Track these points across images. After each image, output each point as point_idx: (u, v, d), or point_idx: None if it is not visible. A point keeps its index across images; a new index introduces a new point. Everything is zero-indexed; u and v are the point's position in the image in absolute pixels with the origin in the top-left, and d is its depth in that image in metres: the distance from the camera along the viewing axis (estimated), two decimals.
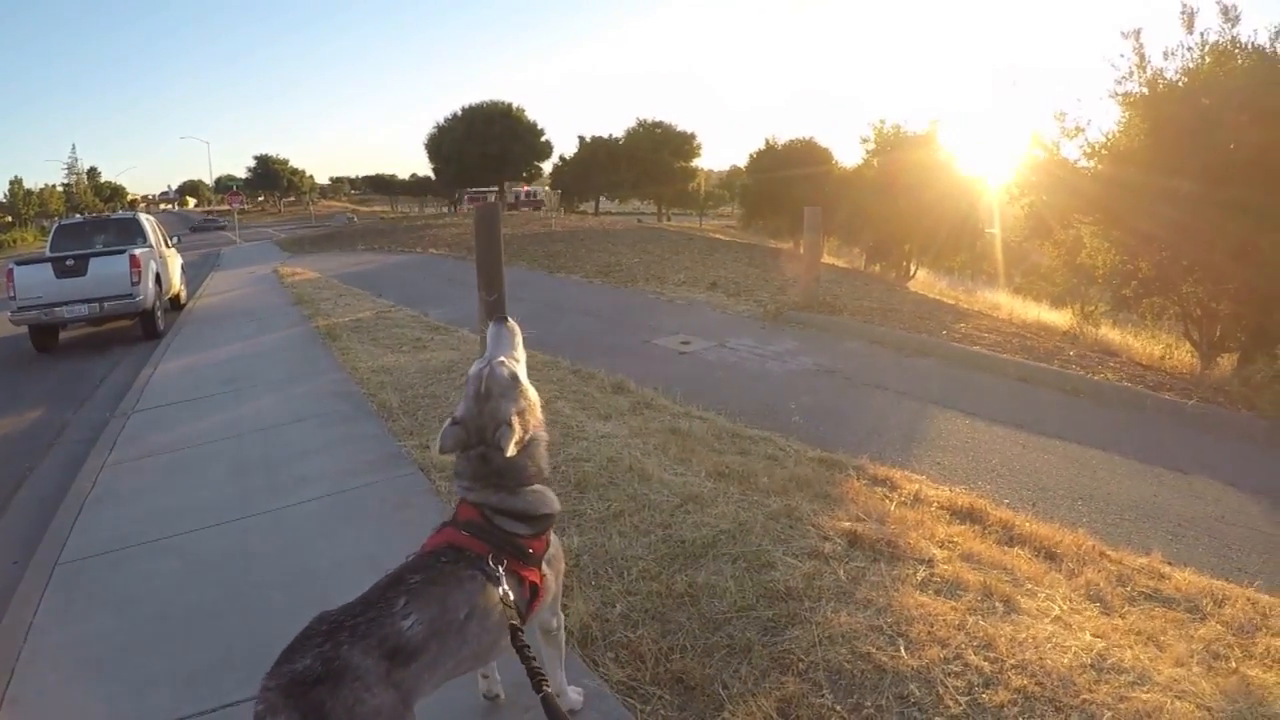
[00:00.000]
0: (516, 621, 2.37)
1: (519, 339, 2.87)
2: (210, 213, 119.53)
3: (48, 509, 6.63)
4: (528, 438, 2.63)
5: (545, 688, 2.19)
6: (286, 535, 5.37)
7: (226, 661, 3.79)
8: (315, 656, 2.06)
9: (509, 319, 2.87)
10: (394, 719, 2.10)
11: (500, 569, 2.46)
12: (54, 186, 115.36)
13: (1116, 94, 12.00)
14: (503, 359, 2.71)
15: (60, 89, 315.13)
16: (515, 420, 2.57)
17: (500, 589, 2.42)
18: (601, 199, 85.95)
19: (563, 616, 2.94)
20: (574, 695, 3.14)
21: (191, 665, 3.88)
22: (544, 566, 2.70)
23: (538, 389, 2.78)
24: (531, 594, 2.61)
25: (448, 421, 2.65)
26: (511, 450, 2.52)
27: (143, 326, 16.07)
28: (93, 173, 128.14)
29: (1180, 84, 11.37)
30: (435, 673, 2.29)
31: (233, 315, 17.51)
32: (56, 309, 14.85)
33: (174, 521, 5.81)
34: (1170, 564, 5.02)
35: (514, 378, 2.67)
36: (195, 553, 5.28)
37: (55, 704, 3.78)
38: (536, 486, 2.70)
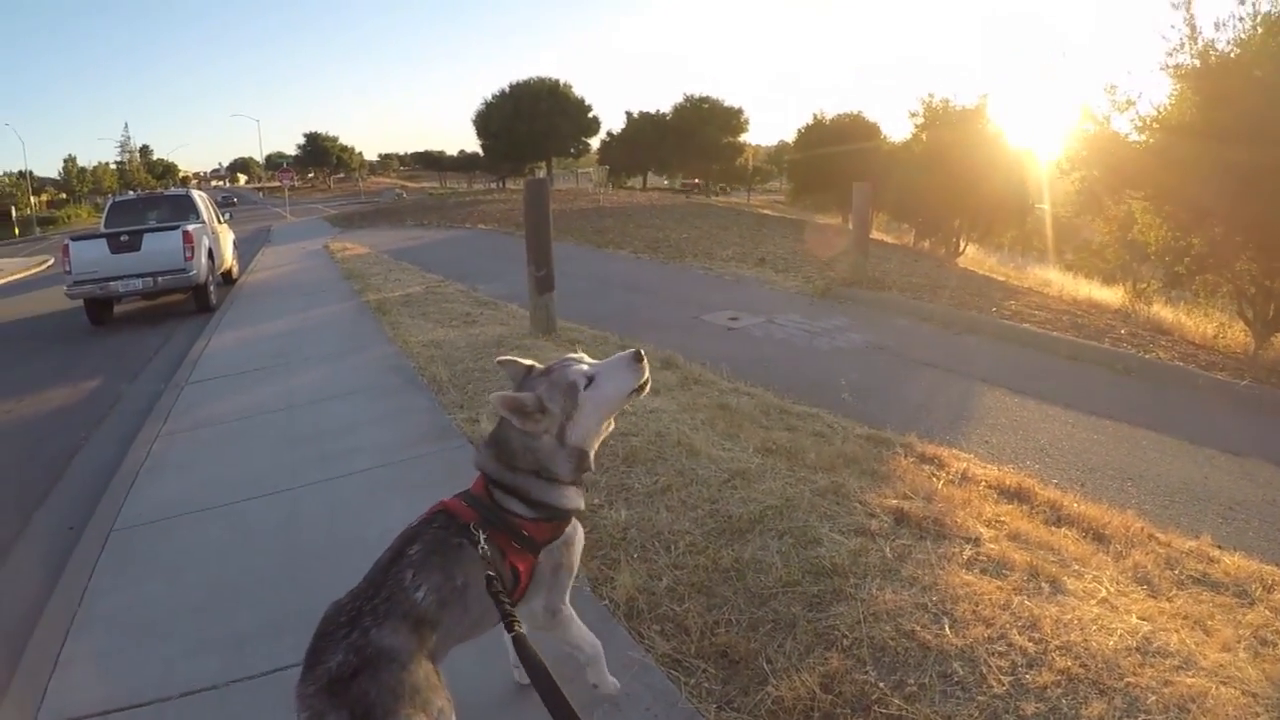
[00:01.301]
0: (492, 571, 2.37)
1: (636, 382, 2.64)
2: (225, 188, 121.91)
3: (103, 477, 6.77)
4: (536, 429, 2.57)
5: (516, 628, 2.19)
6: (336, 504, 5.45)
7: (277, 627, 3.85)
8: (345, 649, 2.07)
9: (644, 359, 2.64)
10: (431, 689, 2.11)
11: (482, 535, 2.43)
12: (107, 164, 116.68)
13: (1168, 66, 11.77)
14: (590, 370, 2.63)
15: (112, 67, 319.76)
16: (533, 395, 2.56)
17: (480, 548, 2.40)
18: (650, 174, 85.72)
19: (567, 612, 2.82)
20: (612, 681, 3.09)
21: (242, 630, 3.95)
22: (541, 555, 2.65)
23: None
24: (515, 579, 2.55)
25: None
26: (511, 419, 2.55)
27: (196, 300, 16.34)
28: (145, 150, 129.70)
29: (1232, 55, 11.14)
30: (451, 638, 2.32)
31: (284, 290, 17.73)
32: (111, 283, 15.11)
33: (226, 491, 5.90)
34: (1220, 547, 4.96)
35: (573, 386, 2.56)
36: (247, 521, 5.37)
37: (109, 665, 3.86)
38: (534, 477, 2.62)
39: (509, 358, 2.77)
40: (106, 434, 8.41)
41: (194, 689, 3.55)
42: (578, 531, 2.83)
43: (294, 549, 4.86)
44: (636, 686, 3.23)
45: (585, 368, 2.63)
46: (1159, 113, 12.03)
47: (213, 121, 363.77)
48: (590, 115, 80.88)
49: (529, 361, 2.72)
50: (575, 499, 2.70)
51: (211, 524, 5.40)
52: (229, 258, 20.22)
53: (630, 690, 3.21)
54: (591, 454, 2.68)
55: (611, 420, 2.72)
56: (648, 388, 2.69)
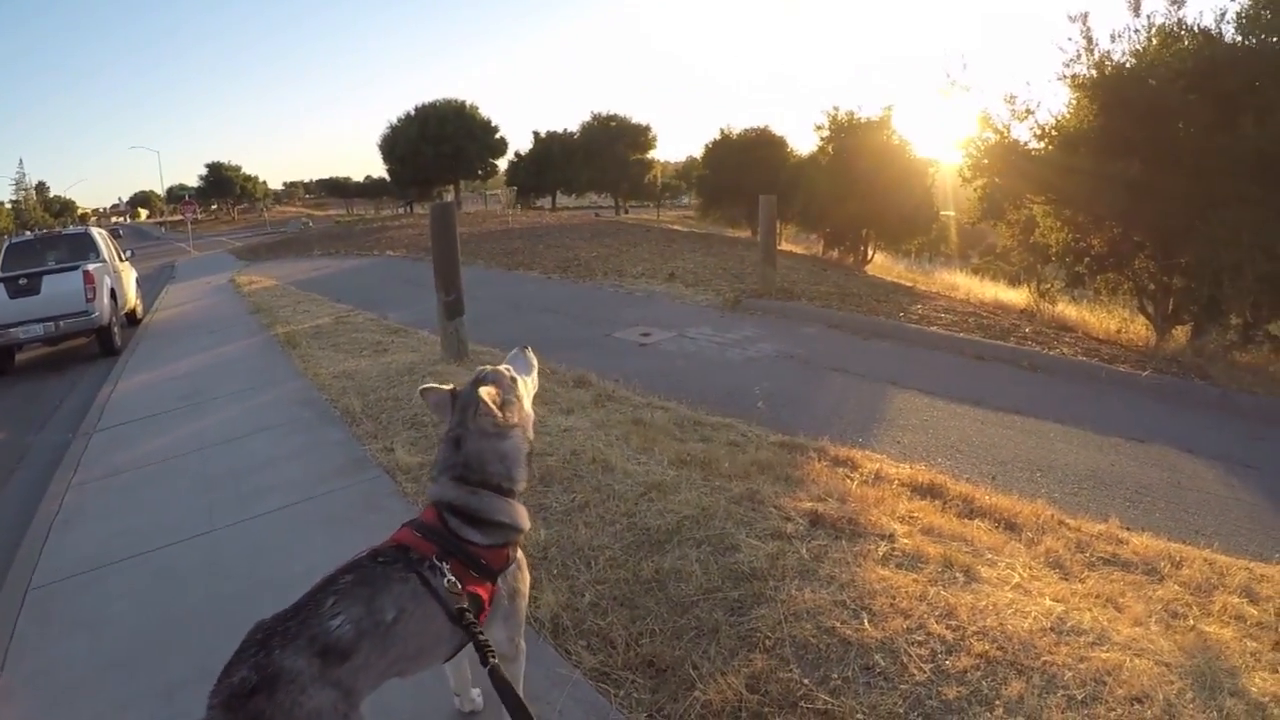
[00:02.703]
0: (465, 604, 2.40)
1: (534, 369, 2.96)
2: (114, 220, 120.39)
3: (15, 534, 6.57)
4: (505, 427, 2.65)
5: (492, 659, 2.24)
6: (258, 544, 5.39)
7: (204, 673, 3.74)
8: (250, 666, 2.09)
9: (529, 348, 2.96)
10: (335, 715, 2.12)
11: (445, 566, 2.45)
12: (2, 203, 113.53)
13: (1065, 76, 12.23)
14: (510, 367, 2.79)
15: (4, 102, 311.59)
16: (495, 394, 2.62)
17: (445, 579, 2.42)
18: (558, 194, 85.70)
19: (523, 647, 2.89)
20: None
21: (169, 679, 3.91)
22: (499, 582, 2.69)
23: None
24: (476, 607, 2.54)
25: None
26: (495, 415, 2.58)
27: (100, 343, 15.88)
28: (41, 187, 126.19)
29: (1128, 66, 11.57)
30: (372, 671, 2.30)
31: (191, 327, 17.36)
32: (11, 330, 14.66)
33: (144, 539, 5.80)
34: (1128, 529, 5.16)
35: (511, 379, 2.73)
36: (167, 568, 5.28)
37: None
38: (495, 494, 2.68)
39: (431, 385, 2.80)
40: (15, 488, 8.20)
41: None
42: (522, 557, 2.87)
43: (217, 593, 4.79)
44: (567, 703, 3.28)
45: (502, 367, 2.79)
46: (1057, 121, 12.46)
47: (111, 154, 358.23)
48: (497, 136, 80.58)
49: (449, 386, 2.76)
50: (525, 516, 2.78)
51: (131, 574, 5.30)
52: (132, 297, 19.68)
53: (561, 707, 3.25)
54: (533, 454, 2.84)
55: None
56: (536, 379, 2.97)
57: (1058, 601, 3.85)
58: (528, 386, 2.86)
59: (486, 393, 2.56)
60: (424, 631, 2.40)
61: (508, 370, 2.77)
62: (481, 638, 2.31)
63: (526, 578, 2.87)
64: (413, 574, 2.42)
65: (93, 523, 6.39)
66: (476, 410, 2.61)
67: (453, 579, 2.44)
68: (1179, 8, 11.39)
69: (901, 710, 3.06)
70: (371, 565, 2.43)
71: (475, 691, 3.25)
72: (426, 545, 2.52)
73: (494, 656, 2.27)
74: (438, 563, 2.46)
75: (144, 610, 4.77)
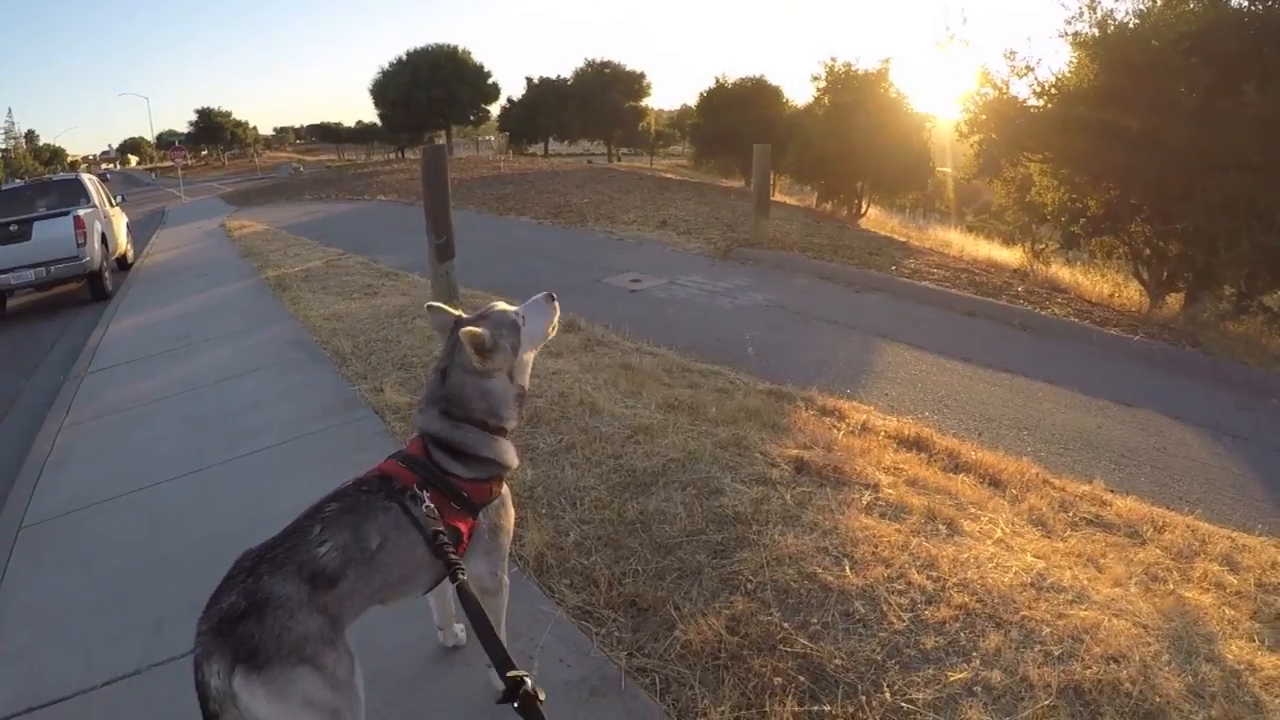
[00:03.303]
0: (440, 527, 2.42)
1: (553, 318, 2.87)
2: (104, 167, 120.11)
3: (7, 474, 6.61)
4: (493, 366, 2.64)
5: (461, 576, 2.28)
6: (247, 482, 5.45)
7: (194, 606, 3.76)
8: (239, 592, 2.12)
9: (555, 299, 2.88)
10: (324, 642, 2.15)
11: (425, 495, 2.47)
12: None
13: (1067, 34, 12.11)
14: (519, 310, 2.76)
15: None
16: (487, 332, 2.60)
17: (425, 506, 2.44)
18: (551, 141, 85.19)
19: (507, 581, 2.93)
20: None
21: (159, 614, 3.97)
22: (480, 516, 2.71)
23: None
24: (454, 540, 2.54)
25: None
26: (472, 357, 2.57)
27: (91, 288, 15.86)
28: (31, 136, 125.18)
29: (1130, 26, 11.46)
30: (357, 598, 2.33)
31: (181, 271, 17.33)
32: (2, 276, 14.69)
33: (135, 478, 5.85)
34: (1112, 492, 5.19)
35: (514, 324, 2.69)
36: (158, 506, 5.34)
37: (30, 662, 3.84)
38: (480, 429, 2.68)
39: (438, 305, 2.81)
40: (7, 430, 8.24)
41: (116, 676, 3.57)
42: (508, 494, 2.89)
43: (206, 530, 4.84)
44: (549, 639, 3.33)
45: (513, 309, 2.75)
46: (1058, 79, 12.35)
47: (101, 101, 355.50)
48: (490, 82, 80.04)
49: (457, 312, 2.75)
50: (512, 454, 2.78)
51: (122, 512, 5.36)
52: (123, 242, 19.70)
53: (543, 643, 3.29)
54: (526, 391, 2.80)
55: None
56: (555, 329, 2.89)
57: (1039, 558, 3.88)
58: (537, 336, 2.81)
59: (466, 334, 2.54)
60: (406, 560, 2.44)
61: (518, 315, 2.73)
62: (454, 557, 2.33)
63: (511, 514, 2.89)
64: (394, 503, 2.45)
65: (84, 463, 6.44)
66: (458, 348, 2.61)
67: (431, 506, 2.46)
68: None
69: (879, 658, 3.09)
70: (356, 494, 2.46)
71: (459, 626, 3.29)
72: (409, 475, 2.54)
73: (463, 574, 2.29)
74: (419, 492, 2.48)
75: (135, 547, 4.83)
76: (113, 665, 3.62)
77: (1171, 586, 3.86)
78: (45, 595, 4.46)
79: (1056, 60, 14.63)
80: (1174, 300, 12.28)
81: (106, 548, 4.89)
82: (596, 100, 74.38)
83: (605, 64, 77.26)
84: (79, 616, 4.16)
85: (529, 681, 1.94)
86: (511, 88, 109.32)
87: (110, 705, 3.40)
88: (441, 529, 2.41)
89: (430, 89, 73.81)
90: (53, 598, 4.41)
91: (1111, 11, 11.69)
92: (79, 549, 4.95)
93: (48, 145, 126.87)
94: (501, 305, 2.76)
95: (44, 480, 6.17)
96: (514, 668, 1.99)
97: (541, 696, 1.93)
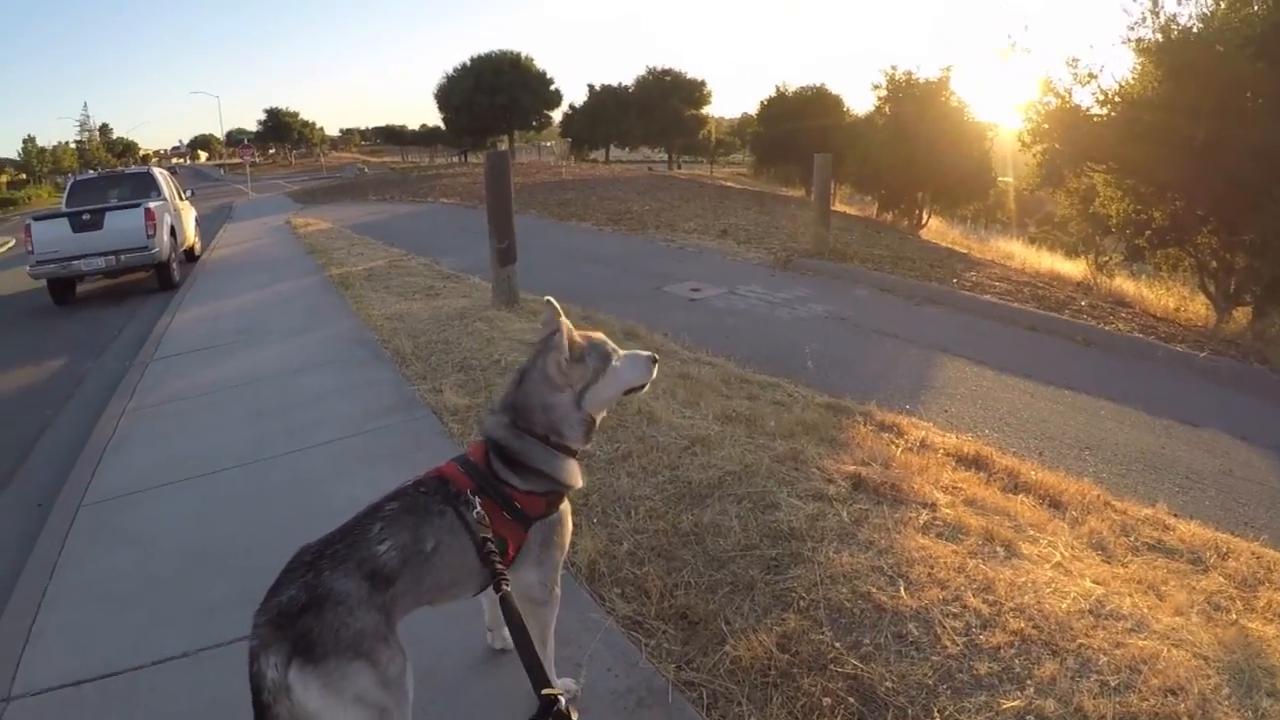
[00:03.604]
0: (488, 534, 2.42)
1: (646, 379, 2.83)
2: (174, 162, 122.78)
3: (70, 454, 6.76)
4: (571, 377, 2.64)
5: (505, 587, 2.26)
6: (304, 475, 5.49)
7: (247, 595, 3.82)
8: (300, 586, 2.14)
9: (657, 363, 2.84)
10: (379, 639, 2.16)
11: (477, 501, 2.47)
12: (67, 144, 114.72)
13: (1130, 40, 11.87)
14: (620, 353, 2.75)
15: (71, 45, 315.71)
16: (584, 342, 2.64)
17: (475, 512, 2.44)
18: (612, 147, 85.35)
19: (558, 594, 2.85)
20: (568, 682, 3.09)
21: (212, 599, 4.01)
22: (533, 529, 2.67)
23: None
24: (501, 549, 2.51)
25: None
26: (559, 356, 2.59)
27: (158, 278, 16.21)
28: (105, 129, 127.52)
29: (1194, 30, 11.23)
30: (409, 598, 2.34)
31: (247, 266, 17.58)
32: (74, 262, 15.06)
33: (193, 464, 5.92)
34: (1176, 515, 5.07)
35: (607, 355, 2.69)
36: (215, 493, 5.40)
37: (82, 637, 3.90)
38: (542, 444, 2.66)
39: (554, 302, 2.78)
40: (72, 411, 8.40)
41: (166, 657, 3.60)
42: (568, 510, 2.86)
43: (262, 519, 4.88)
44: (598, 648, 3.30)
45: (611, 346, 2.74)
46: (1121, 87, 12.12)
47: (173, 98, 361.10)
48: (552, 88, 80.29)
49: (567, 323, 2.72)
50: (575, 474, 2.75)
51: (180, 497, 5.43)
52: (191, 235, 20.06)
53: (592, 651, 3.28)
54: (597, 423, 2.77)
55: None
56: (645, 390, 2.87)
57: (1098, 584, 3.79)
58: (622, 382, 2.77)
59: (566, 332, 2.58)
60: (457, 564, 2.44)
61: (614, 352, 2.73)
62: (499, 567, 2.33)
63: (567, 531, 2.86)
64: (449, 507, 2.45)
65: (145, 447, 6.54)
66: (547, 347, 2.63)
67: (481, 513, 2.46)
68: None
69: (931, 681, 3.03)
70: (415, 494, 2.47)
71: (507, 631, 3.27)
72: (465, 480, 2.55)
73: (507, 585, 2.28)
74: (471, 497, 2.48)
75: (190, 532, 4.89)
76: (161, 646, 3.66)
77: (1234, 616, 3.75)
78: (100, 573, 4.53)
79: (1120, 67, 14.37)
80: (1241, 315, 12.00)
81: (162, 531, 4.97)
82: (657, 108, 74.43)
83: (666, 71, 77.32)
84: (132, 596, 4.21)
85: (563, 701, 1.92)
86: (573, 94, 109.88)
87: (158, 685, 3.44)
88: (489, 536, 2.41)
89: (493, 94, 74.18)
90: (107, 576, 4.48)
91: (1175, 15, 11.44)
92: (135, 530, 5.02)
93: (121, 139, 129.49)
94: (601, 336, 2.76)
95: (105, 461, 6.28)
96: (549, 685, 1.98)
97: (574, 717, 1.92)
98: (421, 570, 2.34)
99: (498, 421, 2.70)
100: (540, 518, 2.68)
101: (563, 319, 2.66)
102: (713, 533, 4.04)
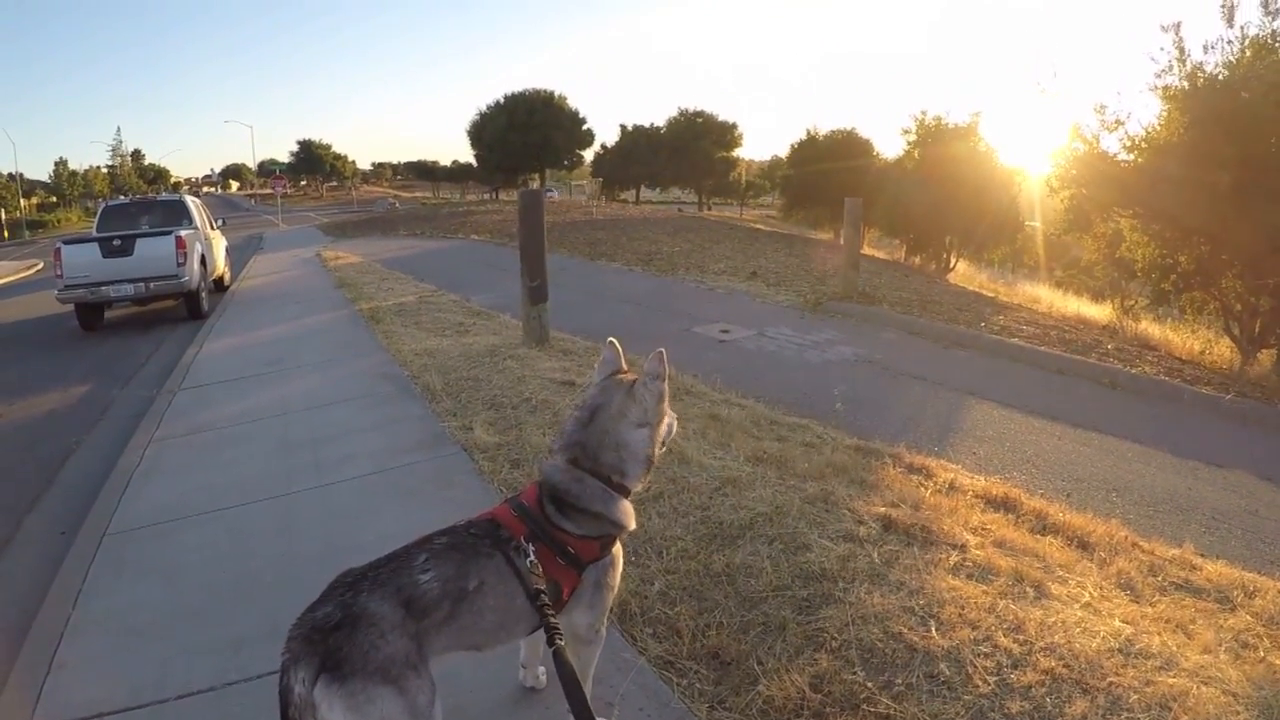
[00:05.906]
0: (542, 586, 2.40)
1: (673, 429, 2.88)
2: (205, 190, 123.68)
3: (96, 482, 6.78)
4: (651, 415, 2.69)
5: (558, 641, 2.24)
6: (332, 510, 5.48)
7: (274, 629, 3.85)
8: (336, 604, 2.15)
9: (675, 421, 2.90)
10: (409, 666, 2.14)
11: (531, 548, 2.46)
12: (98, 168, 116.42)
13: (1156, 87, 11.86)
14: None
15: (105, 70, 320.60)
16: (651, 390, 2.68)
17: (528, 560, 2.43)
18: (642, 188, 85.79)
19: (604, 634, 2.87)
20: None
21: (238, 633, 3.99)
22: (586, 572, 2.66)
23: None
24: (554, 594, 2.52)
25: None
26: (651, 390, 2.66)
27: (187, 307, 16.31)
28: (137, 154, 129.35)
29: (1220, 77, 11.23)
30: (446, 633, 2.31)
31: (277, 297, 17.73)
32: (103, 288, 15.09)
33: (220, 496, 5.93)
34: (1202, 555, 5.03)
35: (662, 394, 2.72)
36: (241, 526, 5.40)
37: (105, 667, 3.89)
38: (603, 485, 2.67)
39: (615, 342, 2.92)
40: (99, 439, 8.43)
41: (190, 691, 3.58)
42: (620, 552, 2.86)
43: (290, 554, 4.88)
44: (630, 688, 3.29)
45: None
46: (1148, 133, 12.10)
47: (206, 127, 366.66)
48: (584, 127, 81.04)
49: (627, 365, 2.82)
50: (630, 516, 2.75)
51: (206, 528, 5.42)
52: (221, 264, 20.22)
53: (624, 691, 3.26)
54: (655, 462, 2.79)
55: None
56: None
57: (1127, 623, 3.78)
58: (669, 426, 2.82)
59: (659, 353, 2.64)
60: (502, 608, 2.43)
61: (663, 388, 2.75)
62: (553, 620, 2.31)
63: (619, 573, 2.86)
64: (499, 552, 2.45)
65: (171, 477, 6.55)
66: (617, 389, 2.69)
67: (534, 560, 2.45)
68: (1274, 19, 10.95)
69: None
70: (465, 534, 2.47)
71: (541, 669, 3.27)
72: (518, 525, 2.54)
73: (560, 639, 2.26)
74: (524, 544, 2.48)
75: (216, 564, 4.88)
76: (188, 679, 3.65)
77: (1262, 654, 3.71)
78: (125, 603, 4.52)
79: (1147, 114, 14.34)
80: (1266, 357, 11.92)
81: (188, 562, 4.95)
82: (689, 149, 74.94)
83: (698, 113, 77.95)
84: (157, 628, 4.20)
85: None
86: (605, 134, 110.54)
87: (183, 719, 3.43)
88: (543, 587, 2.40)
89: (526, 133, 74.88)
90: (132, 607, 4.47)
91: (1201, 63, 11.43)
92: (161, 561, 5.02)
93: (153, 165, 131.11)
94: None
95: (131, 490, 6.28)
96: None
97: None
98: (460, 606, 2.33)
99: (555, 465, 2.68)
100: (594, 561, 2.67)
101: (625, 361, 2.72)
102: (744, 573, 4.04)
